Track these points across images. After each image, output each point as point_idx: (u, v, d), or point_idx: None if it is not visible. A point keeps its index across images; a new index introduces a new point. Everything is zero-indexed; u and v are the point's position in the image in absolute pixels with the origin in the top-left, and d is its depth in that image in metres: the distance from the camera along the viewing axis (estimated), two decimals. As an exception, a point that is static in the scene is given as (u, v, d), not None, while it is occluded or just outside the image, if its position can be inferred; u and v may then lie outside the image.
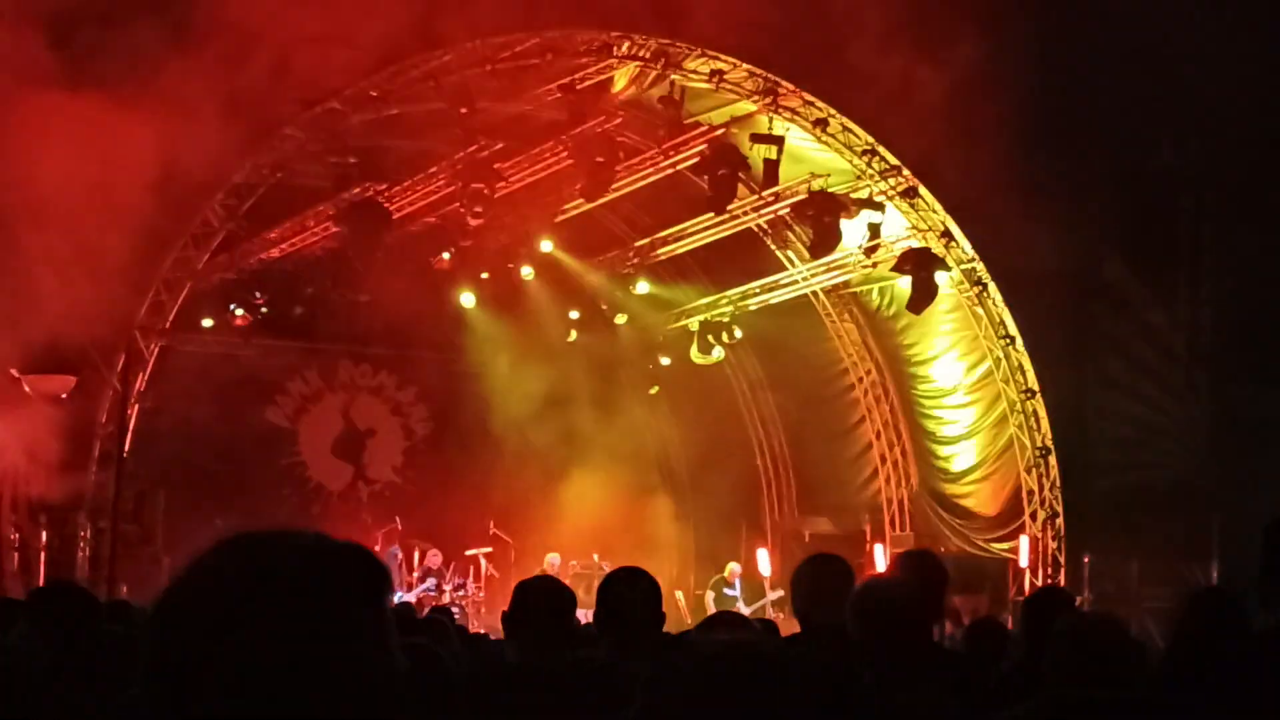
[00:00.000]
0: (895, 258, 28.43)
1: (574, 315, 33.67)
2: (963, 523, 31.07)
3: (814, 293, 31.98)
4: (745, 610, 27.64)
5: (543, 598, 7.22)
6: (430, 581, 29.53)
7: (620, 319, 32.96)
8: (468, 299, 31.53)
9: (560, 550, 30.43)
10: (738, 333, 32.49)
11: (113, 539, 24.07)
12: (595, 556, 30.66)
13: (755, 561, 31.94)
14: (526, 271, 30.67)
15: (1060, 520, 28.82)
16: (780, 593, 29.66)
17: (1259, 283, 25.57)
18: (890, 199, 28.14)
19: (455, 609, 25.83)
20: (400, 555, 29.84)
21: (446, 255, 29.56)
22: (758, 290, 31.89)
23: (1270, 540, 6.45)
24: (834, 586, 7.53)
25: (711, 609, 27.37)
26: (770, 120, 27.24)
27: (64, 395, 23.75)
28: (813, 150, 28.16)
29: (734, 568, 30.26)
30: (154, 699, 2.46)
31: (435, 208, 28.95)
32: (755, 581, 31.03)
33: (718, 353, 32.87)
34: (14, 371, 23.05)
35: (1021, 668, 7.53)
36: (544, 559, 29.78)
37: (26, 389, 23.23)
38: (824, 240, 27.86)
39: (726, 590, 29.50)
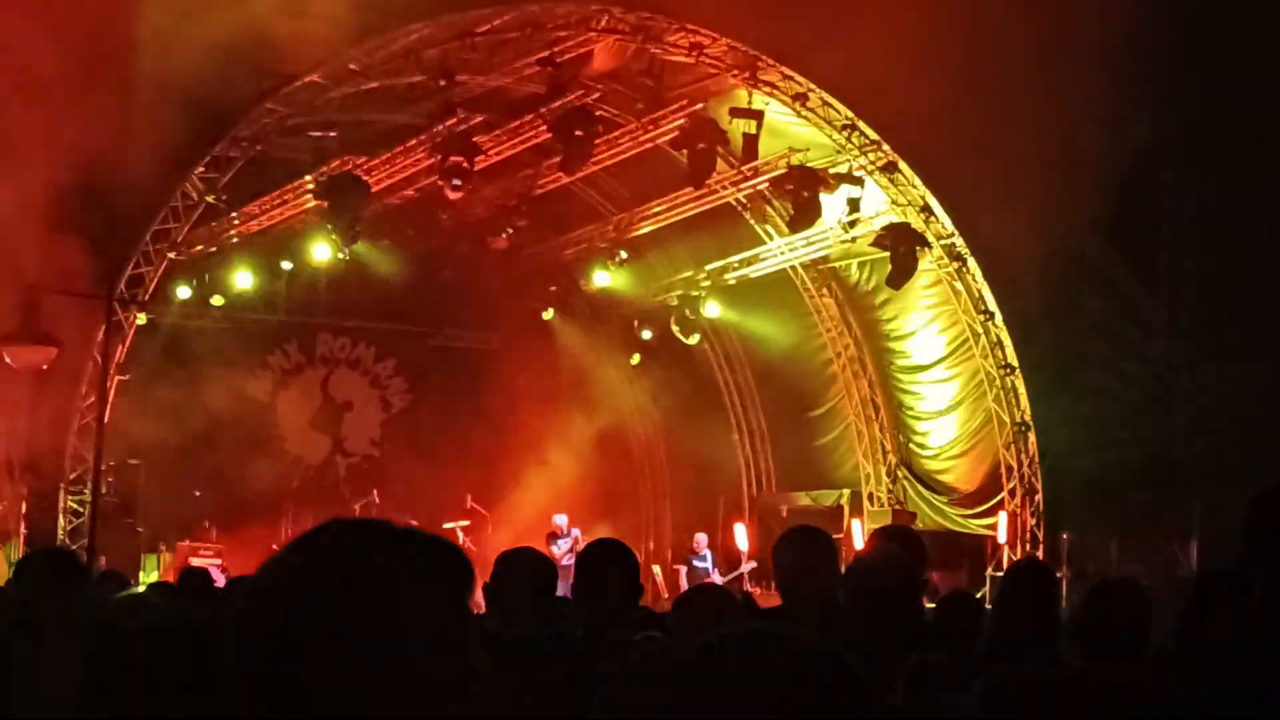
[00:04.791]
0: (875, 233, 28.43)
1: (552, 289, 33.71)
2: (941, 498, 31.09)
3: (793, 267, 31.93)
4: (720, 580, 27.72)
5: (524, 570, 7.21)
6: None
7: (598, 292, 32.96)
8: (447, 273, 31.61)
9: (538, 523, 30.37)
10: (712, 309, 32.40)
11: (92, 511, 24.04)
12: (575, 531, 30.64)
13: (733, 536, 31.95)
14: (506, 235, 30.65)
15: (1039, 497, 28.80)
16: (754, 564, 29.69)
17: (1239, 259, 25.57)
18: (870, 174, 28.10)
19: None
20: None
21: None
22: (736, 265, 31.86)
23: (1255, 518, 6.37)
24: (816, 560, 7.54)
25: (684, 583, 27.44)
26: (749, 94, 27.18)
27: (45, 367, 23.71)
28: (792, 125, 28.12)
29: (699, 537, 30.25)
30: (241, 676, 2.49)
31: (414, 181, 28.94)
32: (733, 555, 31.06)
33: (695, 338, 32.90)
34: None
35: (1001, 638, 7.53)
36: (551, 518, 29.83)
37: (8, 360, 23.20)
38: (803, 215, 27.85)
39: (696, 562, 29.51)
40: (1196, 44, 23.59)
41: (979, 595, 22.62)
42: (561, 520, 29.66)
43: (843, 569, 7.48)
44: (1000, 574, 28.25)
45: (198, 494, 30.57)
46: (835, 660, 2.53)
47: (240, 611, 2.56)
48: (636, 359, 34.80)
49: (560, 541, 28.09)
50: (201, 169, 25.46)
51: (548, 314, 33.97)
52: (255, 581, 2.58)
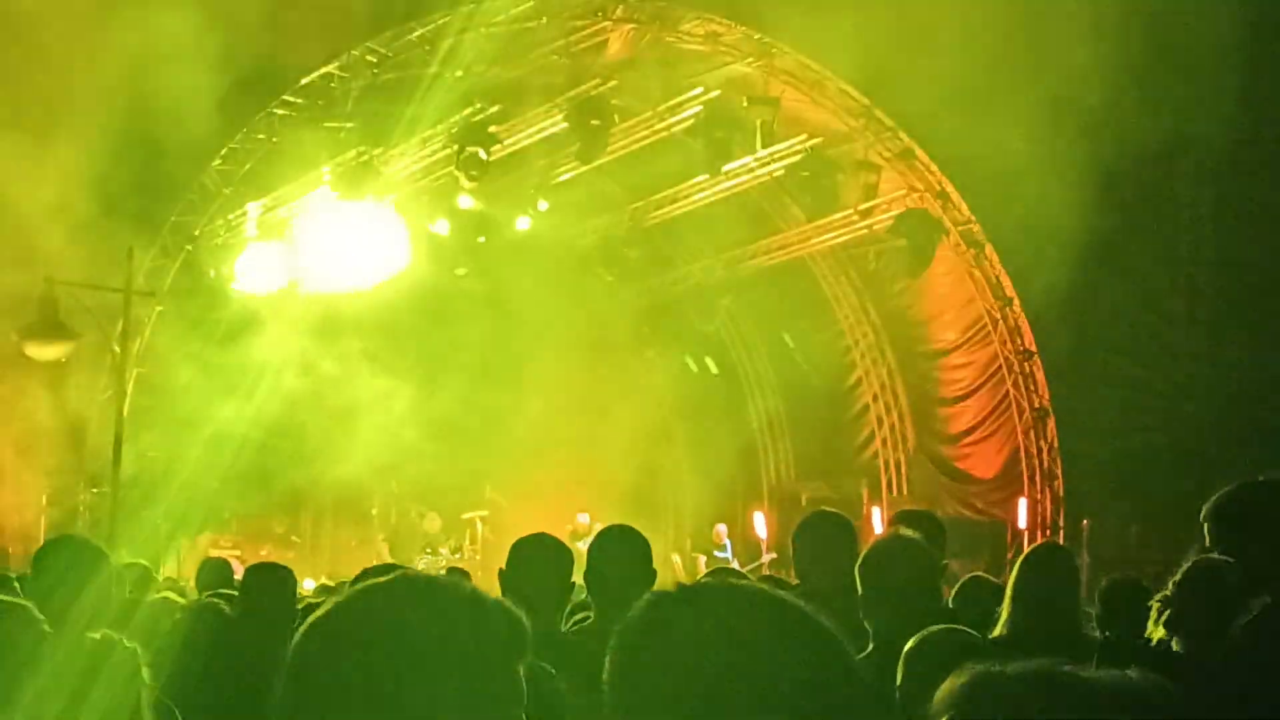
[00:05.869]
0: (892, 219, 28.40)
1: (570, 278, 33.70)
2: (960, 485, 31.03)
3: (810, 255, 31.91)
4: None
5: (541, 557, 7.20)
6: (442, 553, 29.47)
7: (615, 281, 32.93)
8: (461, 263, 31.64)
9: (556, 513, 30.34)
10: (729, 297, 32.43)
11: (113, 504, 24.06)
12: (585, 519, 30.64)
13: (751, 524, 31.94)
14: (523, 223, 30.61)
15: (1059, 483, 28.78)
16: (774, 555, 29.69)
17: (1259, 245, 25.52)
18: (887, 160, 28.09)
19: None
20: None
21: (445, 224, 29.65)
22: (754, 252, 31.83)
23: (1250, 510, 6.21)
24: (835, 544, 7.52)
25: (704, 571, 27.42)
26: (766, 82, 27.20)
27: (63, 359, 23.76)
28: (808, 112, 28.10)
29: (719, 528, 30.28)
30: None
31: (431, 171, 28.93)
32: (752, 543, 31.05)
33: (713, 327, 32.95)
34: (14, 336, 23.05)
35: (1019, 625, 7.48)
36: (575, 517, 29.84)
37: (27, 352, 23.25)
38: (820, 202, 27.85)
39: (717, 553, 29.54)
40: (1218, 30, 23.50)
41: (1000, 581, 22.54)
42: (584, 519, 29.67)
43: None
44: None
45: (217, 486, 30.57)
46: (799, 612, 2.55)
47: (299, 649, 2.61)
48: (650, 353, 34.84)
49: (581, 542, 28.10)
50: (220, 160, 25.51)
51: (566, 299, 33.92)
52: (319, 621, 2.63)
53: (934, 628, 5.76)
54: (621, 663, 2.60)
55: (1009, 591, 7.73)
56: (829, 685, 2.59)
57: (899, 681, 5.63)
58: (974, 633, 5.88)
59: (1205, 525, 6.73)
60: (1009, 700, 2.41)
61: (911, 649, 5.66)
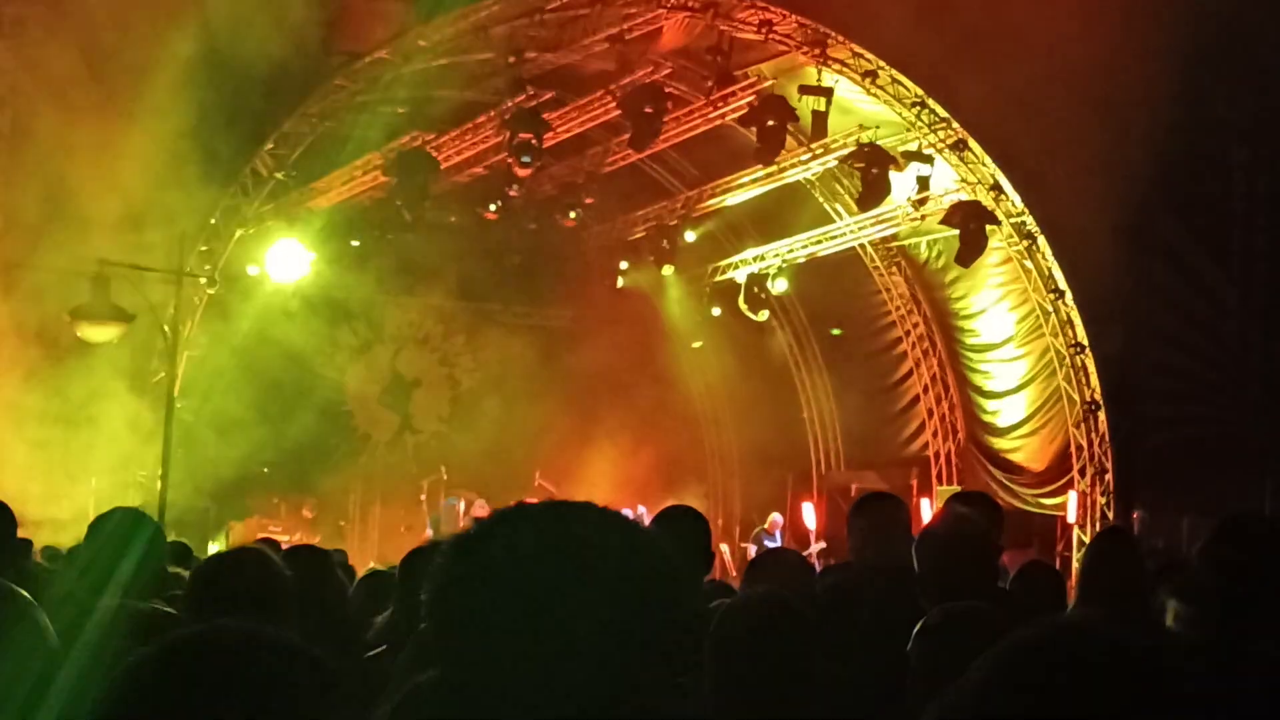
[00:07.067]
0: (944, 210, 28.32)
1: (623, 265, 33.70)
2: (1010, 477, 30.93)
3: (862, 245, 31.87)
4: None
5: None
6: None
7: (667, 270, 32.91)
8: (515, 250, 31.69)
9: (605, 502, 30.21)
10: (781, 287, 32.41)
11: (162, 485, 24.12)
12: (641, 509, 30.63)
13: (800, 514, 31.88)
14: (574, 215, 30.65)
15: (1110, 476, 28.65)
16: (823, 544, 29.64)
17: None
18: (939, 151, 28.00)
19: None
20: (460, 504, 29.83)
21: (494, 206, 29.63)
22: (805, 243, 31.80)
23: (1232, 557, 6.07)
24: (891, 525, 7.49)
25: (752, 560, 27.33)
26: (819, 72, 27.12)
27: (114, 342, 23.82)
28: (861, 102, 28.04)
29: (775, 518, 30.25)
30: None
31: (483, 158, 28.94)
32: (801, 534, 31.00)
33: (764, 314, 32.84)
34: (67, 317, 23.14)
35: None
36: (635, 507, 29.89)
37: (79, 334, 23.32)
38: (872, 193, 27.78)
39: (767, 541, 29.47)
40: (1270, 18, 23.36)
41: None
42: (642, 512, 29.71)
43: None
44: (1069, 554, 28.24)
45: (266, 470, 30.64)
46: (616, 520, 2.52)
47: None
48: (699, 344, 34.86)
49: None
50: (271, 145, 25.53)
51: (621, 280, 33.93)
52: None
53: (952, 604, 5.70)
54: (436, 583, 2.55)
55: (1077, 580, 7.70)
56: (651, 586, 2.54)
57: (914, 653, 5.57)
58: (994, 610, 5.78)
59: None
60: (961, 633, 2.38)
61: (930, 622, 5.62)
